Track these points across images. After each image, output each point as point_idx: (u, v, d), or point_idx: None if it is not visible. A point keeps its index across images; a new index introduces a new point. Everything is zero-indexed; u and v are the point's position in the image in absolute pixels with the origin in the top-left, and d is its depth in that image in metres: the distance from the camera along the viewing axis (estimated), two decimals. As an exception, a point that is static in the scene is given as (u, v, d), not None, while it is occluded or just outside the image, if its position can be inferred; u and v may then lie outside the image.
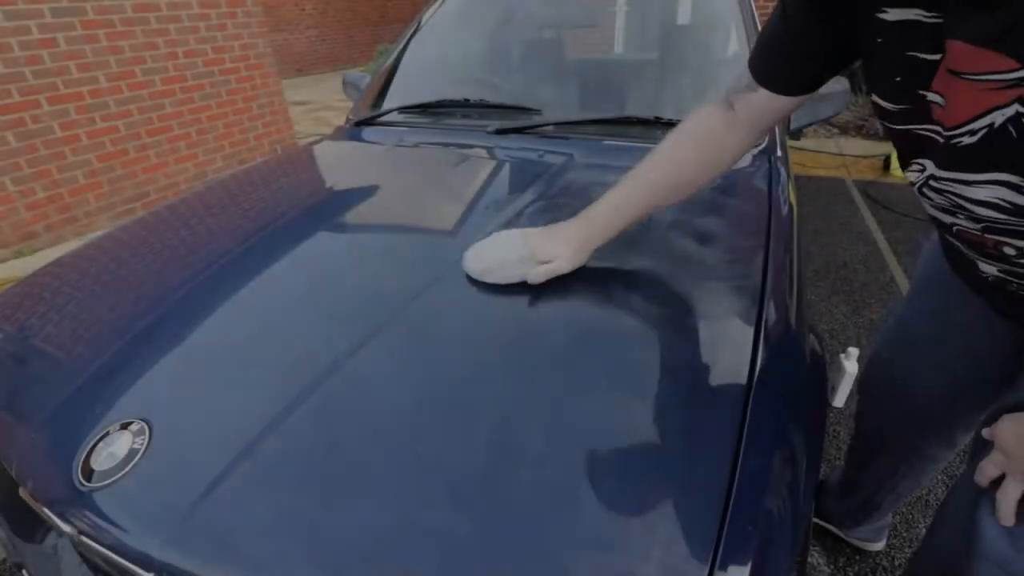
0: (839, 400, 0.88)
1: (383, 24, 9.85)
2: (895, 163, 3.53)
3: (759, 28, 1.42)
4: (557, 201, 1.01)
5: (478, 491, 0.50)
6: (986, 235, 0.52)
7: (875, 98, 0.54)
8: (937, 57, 0.45)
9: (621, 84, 1.57)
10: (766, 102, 0.66)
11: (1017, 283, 0.57)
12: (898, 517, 1.31)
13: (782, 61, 0.63)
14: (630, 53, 1.78)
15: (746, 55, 1.36)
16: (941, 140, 0.49)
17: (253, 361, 0.67)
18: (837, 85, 1.24)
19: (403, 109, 1.52)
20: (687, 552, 0.44)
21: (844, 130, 4.46)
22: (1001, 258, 0.54)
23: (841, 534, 1.23)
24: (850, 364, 0.86)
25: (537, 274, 0.74)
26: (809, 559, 1.22)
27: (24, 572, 0.69)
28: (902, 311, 0.89)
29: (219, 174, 3.52)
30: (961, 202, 0.51)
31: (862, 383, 0.99)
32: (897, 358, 0.90)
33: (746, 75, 0.66)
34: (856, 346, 1.21)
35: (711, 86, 1.41)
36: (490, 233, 0.81)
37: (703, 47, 1.54)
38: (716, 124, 0.71)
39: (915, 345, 0.86)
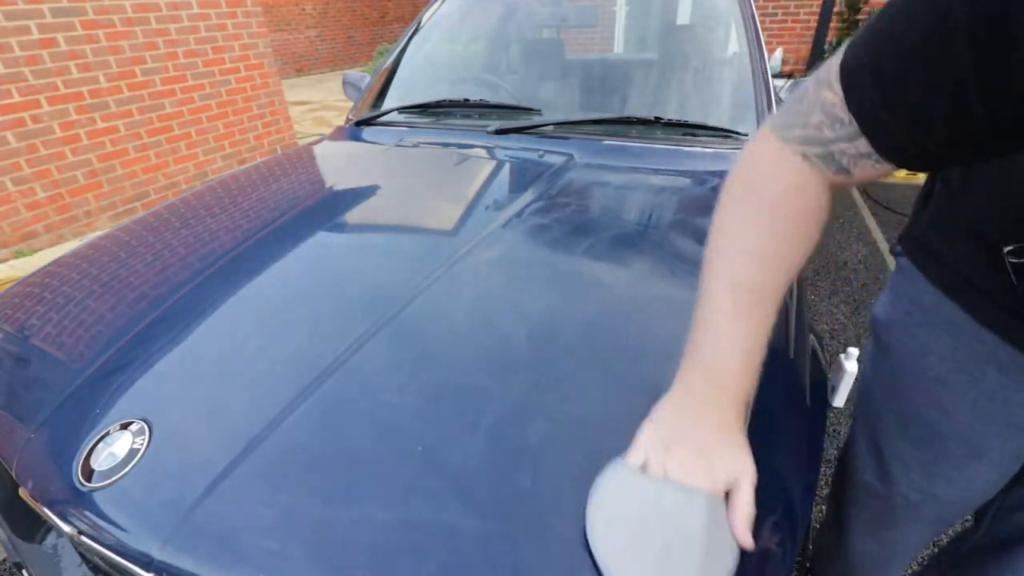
0: (839, 400, 0.88)
1: (383, 24, 9.85)
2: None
3: (759, 28, 1.42)
4: (557, 201, 1.01)
5: (479, 490, 0.50)
6: None
7: None
8: None
9: (621, 84, 1.57)
10: (888, 169, 0.43)
11: None
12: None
13: (952, 141, 0.37)
14: (630, 53, 1.78)
15: (747, 55, 1.37)
16: None
17: (253, 361, 0.67)
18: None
19: (403, 109, 1.53)
20: (687, 552, 0.44)
21: (844, 130, 4.45)
22: None
23: None
24: (850, 364, 0.86)
25: (742, 522, 0.45)
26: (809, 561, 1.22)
27: (24, 572, 0.69)
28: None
29: (219, 174, 3.52)
30: None
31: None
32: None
33: (863, 143, 0.41)
34: (856, 346, 1.21)
35: (711, 86, 1.41)
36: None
37: (703, 47, 1.54)
38: (825, 197, 0.47)
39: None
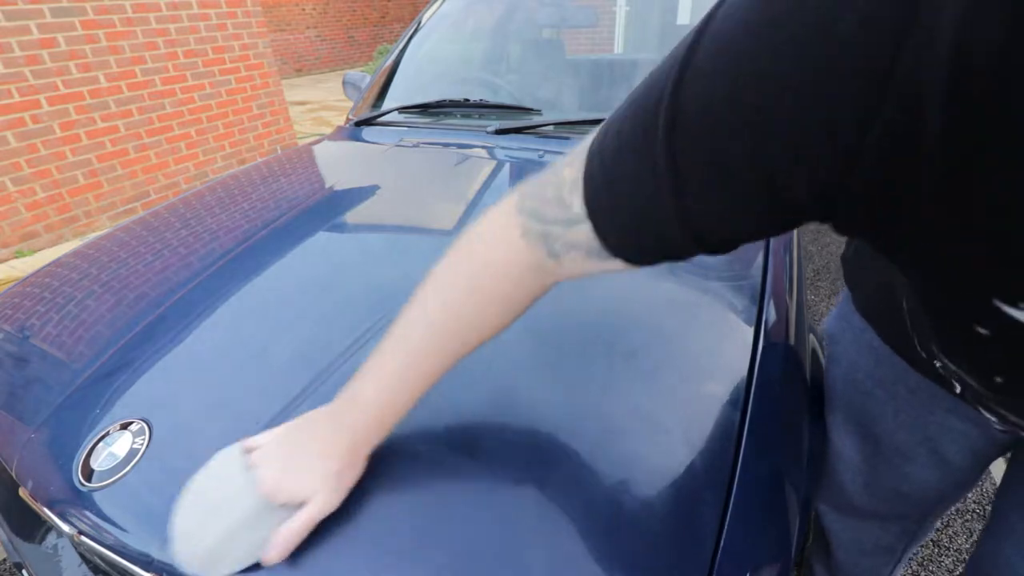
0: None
1: (383, 24, 9.85)
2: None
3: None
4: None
5: (480, 491, 0.50)
6: None
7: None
8: None
9: (621, 84, 1.57)
10: (609, 267, 0.40)
11: None
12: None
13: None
14: (630, 53, 1.78)
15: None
16: None
17: (253, 361, 0.67)
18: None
19: (403, 109, 1.52)
20: (686, 553, 0.44)
21: (844, 130, 4.46)
22: None
23: None
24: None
25: (282, 542, 0.45)
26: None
27: (24, 572, 0.69)
28: (872, 427, 0.66)
29: (219, 174, 3.52)
30: None
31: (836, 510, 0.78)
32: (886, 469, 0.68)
33: (587, 232, 0.38)
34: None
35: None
36: None
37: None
38: (529, 279, 0.44)
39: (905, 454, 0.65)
